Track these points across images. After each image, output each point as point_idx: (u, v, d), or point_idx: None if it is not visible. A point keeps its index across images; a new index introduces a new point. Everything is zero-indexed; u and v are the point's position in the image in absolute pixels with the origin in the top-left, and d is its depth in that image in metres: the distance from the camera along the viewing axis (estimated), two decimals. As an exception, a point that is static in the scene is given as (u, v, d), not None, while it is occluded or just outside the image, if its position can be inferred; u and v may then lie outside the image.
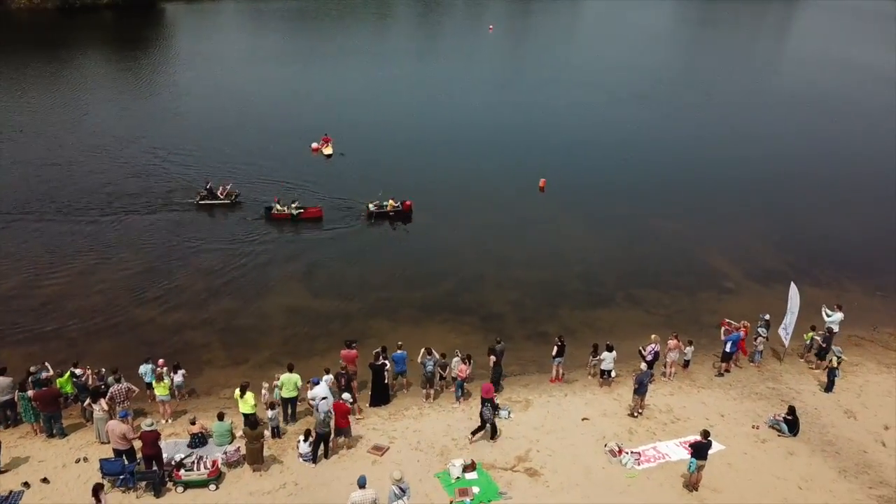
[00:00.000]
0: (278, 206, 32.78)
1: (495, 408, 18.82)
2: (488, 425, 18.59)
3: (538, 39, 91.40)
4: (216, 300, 26.17)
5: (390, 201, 33.47)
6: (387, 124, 48.63)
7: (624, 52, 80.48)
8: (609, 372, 21.37)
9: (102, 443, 17.74)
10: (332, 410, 17.59)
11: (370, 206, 33.34)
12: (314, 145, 42.11)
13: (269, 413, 18.39)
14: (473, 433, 18.75)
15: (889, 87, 65.64)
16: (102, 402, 17.80)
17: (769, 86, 65.17)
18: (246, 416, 17.88)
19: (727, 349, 22.05)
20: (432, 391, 20.76)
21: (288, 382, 18.90)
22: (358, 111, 51.97)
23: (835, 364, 21.22)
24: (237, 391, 18.71)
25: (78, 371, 19.28)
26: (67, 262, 28.44)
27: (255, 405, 18.52)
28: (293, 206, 32.78)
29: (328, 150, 41.63)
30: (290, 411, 19.30)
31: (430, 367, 20.43)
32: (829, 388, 21.32)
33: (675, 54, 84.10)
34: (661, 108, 56.70)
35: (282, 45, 77.14)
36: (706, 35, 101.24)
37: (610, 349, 21.41)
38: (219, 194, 33.83)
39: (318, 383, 18.80)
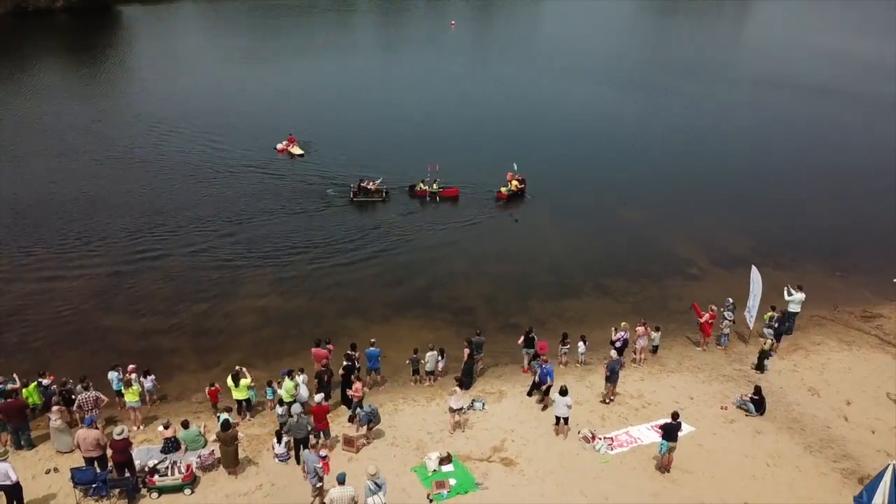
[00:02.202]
0: (422, 185, 35.30)
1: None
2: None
3: (500, 33, 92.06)
4: (185, 304, 25.82)
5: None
6: (352, 122, 48.57)
7: (586, 44, 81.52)
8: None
9: (63, 453, 17.40)
10: (305, 413, 17.51)
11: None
12: (279, 146, 41.76)
13: (279, 409, 18.46)
14: (529, 393, 20.43)
15: (856, 72, 67.32)
16: (56, 410, 17.40)
17: (730, 76, 66.38)
18: (226, 419, 17.61)
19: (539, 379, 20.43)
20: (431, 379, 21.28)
21: (289, 388, 18.90)
22: (323, 108, 51.90)
23: (766, 347, 21.79)
24: (229, 379, 18.75)
25: (45, 381, 18.92)
26: (28, 270, 27.82)
27: (251, 385, 18.97)
28: (434, 184, 35.22)
29: (297, 150, 41.31)
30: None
31: (430, 367, 20.94)
32: (759, 368, 21.82)
33: (638, 45, 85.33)
34: (625, 98, 57.55)
35: (242, 45, 76.27)
36: (668, 24, 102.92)
37: (584, 340, 21.69)
38: (371, 187, 34.84)
39: (288, 374, 19.02)
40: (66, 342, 23.54)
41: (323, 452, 16.32)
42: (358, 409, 18.36)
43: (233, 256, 29.29)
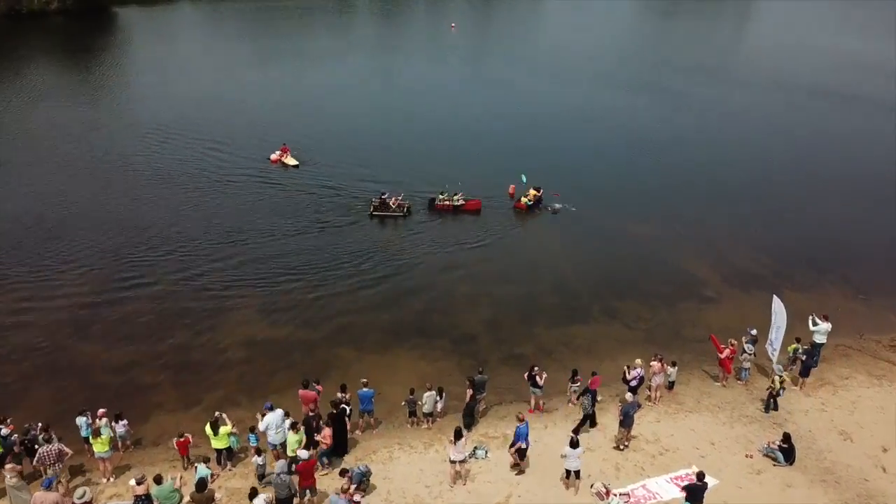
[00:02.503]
0: (441, 197, 34.04)
1: (594, 400, 19.03)
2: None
3: (502, 36, 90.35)
4: (168, 334, 24.15)
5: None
6: (351, 129, 46.83)
7: (589, 45, 79.95)
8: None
9: None
10: (288, 472, 15.83)
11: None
12: (273, 156, 40.13)
13: (258, 459, 17.01)
14: (576, 430, 18.32)
15: (873, 76, 65.51)
16: (10, 468, 15.73)
17: (743, 81, 64.62)
18: (201, 479, 15.93)
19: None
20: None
21: (292, 442, 17.28)
22: (321, 114, 50.31)
23: (777, 386, 20.07)
24: (207, 427, 17.20)
25: (4, 431, 17.24)
26: (3, 294, 26.18)
27: (233, 432, 17.46)
28: (455, 197, 33.94)
29: (291, 161, 39.69)
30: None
31: (428, 408, 19.41)
32: (766, 408, 20.22)
33: (643, 46, 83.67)
34: (632, 103, 55.92)
35: (239, 47, 74.88)
36: (674, 24, 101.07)
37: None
38: (391, 204, 33.42)
39: (270, 408, 17.57)
40: (39, 376, 21.93)
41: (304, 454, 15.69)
42: (352, 468, 16.61)
43: (222, 280, 27.56)
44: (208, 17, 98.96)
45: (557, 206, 34.98)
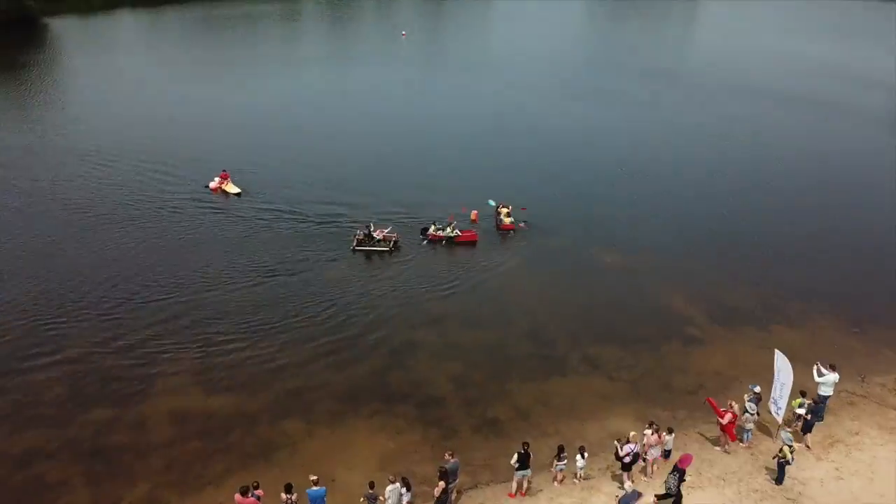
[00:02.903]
0: (434, 228, 31.73)
1: (681, 478, 16.58)
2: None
3: (454, 43, 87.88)
4: (82, 410, 20.61)
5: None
6: (299, 148, 43.61)
7: (545, 49, 78.36)
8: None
9: None
10: None
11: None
12: (212, 184, 36.57)
13: None
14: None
15: (853, 84, 64.71)
16: None
17: (712, 87, 63.13)
18: None
19: None
20: None
21: None
22: (267, 133, 46.85)
23: (787, 455, 17.72)
24: None
25: None
26: None
27: None
28: (449, 228, 31.80)
29: (232, 189, 36.23)
30: None
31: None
32: (779, 480, 17.98)
33: (599, 49, 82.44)
34: (595, 111, 54.10)
35: (182, 59, 70.58)
36: (623, 30, 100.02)
37: (582, 453, 17.37)
38: (377, 236, 30.86)
39: None
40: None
41: None
42: None
43: (151, 337, 24.08)
44: (148, 26, 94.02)
45: (523, 221, 33.12)
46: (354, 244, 30.56)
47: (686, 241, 32.63)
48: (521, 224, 33.00)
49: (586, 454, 17.75)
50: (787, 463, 17.73)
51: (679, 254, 31.35)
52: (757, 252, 31.68)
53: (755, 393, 19.30)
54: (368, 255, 30.31)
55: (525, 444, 17.38)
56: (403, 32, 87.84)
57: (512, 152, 44.34)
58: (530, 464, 17.31)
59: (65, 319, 24.90)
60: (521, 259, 30.67)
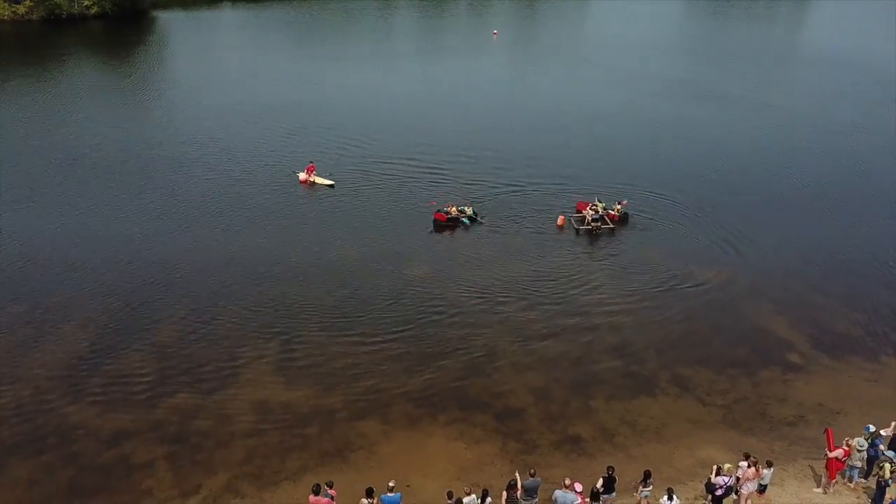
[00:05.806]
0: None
1: None
2: None
3: (546, 43, 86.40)
4: (169, 393, 21.10)
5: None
6: (390, 141, 43.59)
7: (643, 50, 75.79)
8: None
9: None
10: None
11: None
12: (301, 176, 37.07)
13: None
14: None
15: None
16: None
17: (825, 96, 59.69)
18: None
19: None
20: None
21: None
22: (360, 123, 47.30)
23: (886, 475, 16.23)
24: None
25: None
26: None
27: None
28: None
29: (322, 180, 36.66)
30: None
31: None
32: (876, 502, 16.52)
33: (698, 47, 79.15)
34: (695, 109, 51.79)
35: (279, 52, 72.88)
36: (725, 33, 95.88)
37: (671, 494, 16.19)
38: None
39: None
40: (18, 448, 18.94)
41: None
42: None
43: (237, 326, 24.49)
44: (249, 19, 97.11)
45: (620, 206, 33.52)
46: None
47: (797, 261, 30.45)
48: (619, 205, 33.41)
49: (675, 498, 16.41)
50: (886, 484, 16.18)
51: (786, 273, 29.30)
52: (866, 274, 29.39)
53: (871, 432, 17.70)
54: (452, 254, 29.97)
55: (610, 468, 16.51)
56: (495, 32, 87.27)
57: (608, 151, 43.74)
58: (615, 487, 16.44)
59: (156, 306, 25.61)
60: (607, 265, 29.60)
